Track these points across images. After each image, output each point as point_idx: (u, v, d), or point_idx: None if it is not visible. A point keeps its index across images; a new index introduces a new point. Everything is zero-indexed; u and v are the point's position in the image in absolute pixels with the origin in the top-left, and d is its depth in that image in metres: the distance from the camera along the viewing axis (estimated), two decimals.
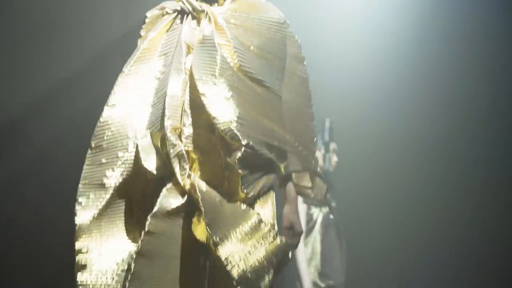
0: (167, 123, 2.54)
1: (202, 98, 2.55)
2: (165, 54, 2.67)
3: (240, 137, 2.52)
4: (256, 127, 2.58)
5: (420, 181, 6.27)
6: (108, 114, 2.62)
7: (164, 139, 2.54)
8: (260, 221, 2.52)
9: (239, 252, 2.46)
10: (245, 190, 2.53)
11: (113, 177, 2.57)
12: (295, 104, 2.75)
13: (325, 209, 5.37)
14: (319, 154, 5.41)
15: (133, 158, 2.58)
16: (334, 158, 5.48)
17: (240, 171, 2.51)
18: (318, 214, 5.35)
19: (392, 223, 6.24)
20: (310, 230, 5.29)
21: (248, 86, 2.63)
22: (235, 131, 2.51)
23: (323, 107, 5.59)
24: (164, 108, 2.56)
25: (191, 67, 2.60)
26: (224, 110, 2.54)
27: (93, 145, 2.60)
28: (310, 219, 5.32)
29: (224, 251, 2.44)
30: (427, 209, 6.25)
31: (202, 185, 2.52)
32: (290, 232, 2.61)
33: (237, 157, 2.50)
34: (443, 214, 6.23)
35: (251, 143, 2.52)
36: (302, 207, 5.25)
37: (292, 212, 2.64)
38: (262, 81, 2.64)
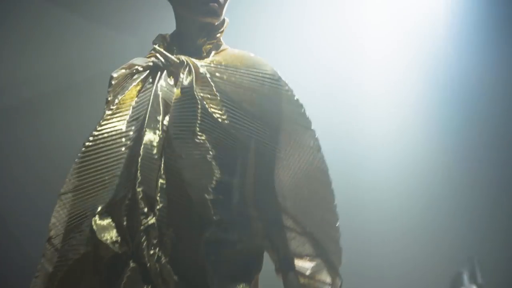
0: (139, 188, 2.13)
1: (179, 161, 2.15)
2: (136, 119, 2.26)
3: (212, 210, 2.11)
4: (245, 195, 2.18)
5: None
6: (63, 202, 2.23)
7: (132, 207, 2.14)
8: None
9: None
10: None
11: (61, 264, 2.20)
12: (307, 185, 2.28)
13: None
14: None
15: (83, 237, 2.20)
16: None
17: (208, 264, 2.09)
18: None
19: None
20: None
21: (239, 144, 2.22)
22: (208, 201, 2.11)
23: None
24: (136, 171, 2.15)
25: (167, 127, 2.22)
26: (200, 174, 2.13)
27: (51, 234, 2.24)
28: None
29: None
30: None
31: (175, 277, 2.11)
32: None
33: (204, 240, 2.10)
34: None
35: (226, 219, 2.12)
36: None
37: None
38: (261, 142, 2.24)
